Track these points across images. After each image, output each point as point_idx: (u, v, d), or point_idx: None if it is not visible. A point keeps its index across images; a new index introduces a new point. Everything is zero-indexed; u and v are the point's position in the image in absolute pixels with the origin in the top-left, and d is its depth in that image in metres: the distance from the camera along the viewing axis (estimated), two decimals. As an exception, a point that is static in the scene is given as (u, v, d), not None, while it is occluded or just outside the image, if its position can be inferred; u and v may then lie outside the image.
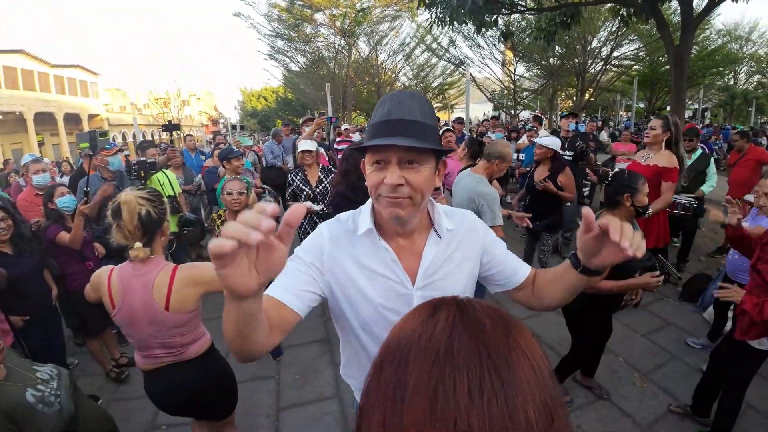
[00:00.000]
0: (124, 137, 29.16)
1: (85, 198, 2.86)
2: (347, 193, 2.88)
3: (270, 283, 0.94)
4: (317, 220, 3.84)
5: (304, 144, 3.88)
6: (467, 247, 1.08)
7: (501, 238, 2.49)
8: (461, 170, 3.27)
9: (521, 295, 1.12)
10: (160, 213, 1.65)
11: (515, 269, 1.12)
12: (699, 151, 4.11)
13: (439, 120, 14.26)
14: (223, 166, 3.77)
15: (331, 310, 1.09)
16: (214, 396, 1.88)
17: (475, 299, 0.47)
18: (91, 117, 28.74)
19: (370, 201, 1.02)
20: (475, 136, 6.00)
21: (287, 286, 0.96)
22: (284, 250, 0.61)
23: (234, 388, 1.97)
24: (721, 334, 3.02)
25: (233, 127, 20.86)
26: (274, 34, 18.69)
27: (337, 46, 19.18)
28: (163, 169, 4.15)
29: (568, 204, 4.00)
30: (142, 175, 3.40)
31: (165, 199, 1.72)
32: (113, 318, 1.67)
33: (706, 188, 3.89)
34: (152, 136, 30.89)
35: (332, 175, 4.01)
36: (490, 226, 3.06)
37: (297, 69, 20.62)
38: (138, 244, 1.61)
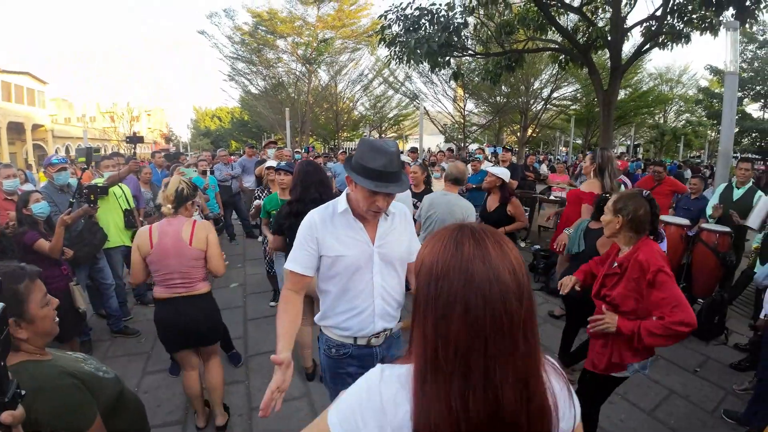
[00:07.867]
0: (67, 150, 27.36)
1: (70, 209, 2.90)
2: (301, 210, 2.72)
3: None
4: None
5: (269, 162, 4.40)
6: (402, 224, 1.71)
7: None
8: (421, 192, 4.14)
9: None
10: (189, 194, 2.48)
11: (413, 252, 1.69)
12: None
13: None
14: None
15: (320, 269, 1.65)
16: (209, 326, 2.54)
17: (481, 226, 0.74)
18: (35, 127, 27.08)
19: (344, 193, 1.62)
20: (426, 164, 6.73)
21: (303, 263, 1.60)
22: None
23: (220, 324, 2.72)
24: None
25: (184, 148, 20.39)
26: (236, 56, 18.81)
27: (297, 73, 19.59)
28: (120, 184, 4.15)
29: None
30: (92, 198, 3.30)
31: (195, 189, 2.52)
32: (148, 259, 2.34)
33: None
34: (105, 151, 29.15)
35: None
36: None
37: (256, 92, 20.73)
38: (169, 206, 2.42)
